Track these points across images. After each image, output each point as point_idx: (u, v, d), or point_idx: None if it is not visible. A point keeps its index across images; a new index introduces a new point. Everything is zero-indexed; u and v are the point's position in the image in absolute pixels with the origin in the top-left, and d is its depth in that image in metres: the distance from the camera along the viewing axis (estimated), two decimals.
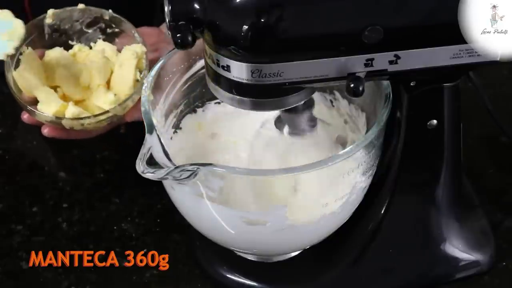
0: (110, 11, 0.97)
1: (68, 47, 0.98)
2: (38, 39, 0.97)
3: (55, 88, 0.94)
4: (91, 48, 0.98)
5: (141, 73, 0.93)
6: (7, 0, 0.91)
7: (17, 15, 0.91)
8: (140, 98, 0.78)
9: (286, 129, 0.78)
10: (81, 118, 0.90)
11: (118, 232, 0.92)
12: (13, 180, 0.98)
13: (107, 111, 0.90)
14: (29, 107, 0.91)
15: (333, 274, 0.85)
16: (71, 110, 0.90)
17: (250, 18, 0.64)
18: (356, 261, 0.84)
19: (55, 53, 0.96)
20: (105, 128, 0.95)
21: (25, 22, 0.91)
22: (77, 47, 0.98)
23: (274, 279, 0.85)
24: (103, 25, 0.98)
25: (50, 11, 0.96)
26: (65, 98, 0.94)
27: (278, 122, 0.79)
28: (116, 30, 0.98)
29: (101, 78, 0.93)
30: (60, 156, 1.02)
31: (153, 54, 0.96)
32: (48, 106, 0.91)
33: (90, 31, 0.98)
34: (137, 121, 0.92)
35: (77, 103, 0.93)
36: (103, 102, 0.92)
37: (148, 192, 0.94)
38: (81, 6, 0.97)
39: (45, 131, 0.93)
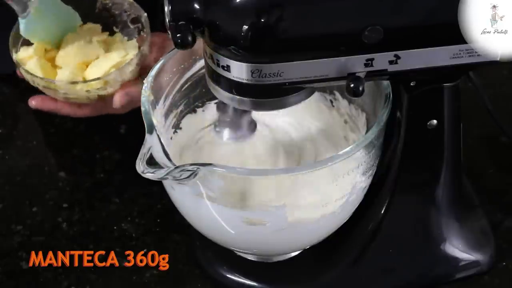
0: (145, 14, 0.97)
1: (110, 32, 1.00)
2: (88, 10, 0.98)
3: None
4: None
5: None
6: None
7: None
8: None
9: (226, 134, 0.77)
10: (75, 83, 0.91)
11: (118, 232, 0.92)
12: (13, 180, 0.98)
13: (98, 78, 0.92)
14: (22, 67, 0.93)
15: (333, 274, 0.85)
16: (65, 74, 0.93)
17: (250, 18, 0.64)
18: (356, 261, 0.84)
19: (93, 26, 0.98)
20: (93, 110, 0.96)
21: None
22: (118, 36, 0.99)
23: (274, 279, 0.85)
24: (140, 26, 0.99)
25: None
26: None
27: (217, 129, 0.78)
28: (144, 35, 0.98)
29: (79, 56, 0.95)
30: (60, 156, 1.02)
31: (160, 51, 0.96)
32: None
33: (132, 27, 0.99)
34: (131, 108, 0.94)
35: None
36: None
37: (148, 192, 0.94)
38: None
39: (33, 102, 0.94)
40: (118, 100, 0.93)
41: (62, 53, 0.96)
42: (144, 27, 0.98)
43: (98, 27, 0.99)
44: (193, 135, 0.87)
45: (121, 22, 1.00)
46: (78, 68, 0.94)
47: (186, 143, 0.86)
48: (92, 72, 0.94)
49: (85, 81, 0.93)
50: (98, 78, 0.92)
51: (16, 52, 0.96)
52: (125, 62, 0.93)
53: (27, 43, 0.96)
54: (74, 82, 0.92)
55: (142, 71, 0.95)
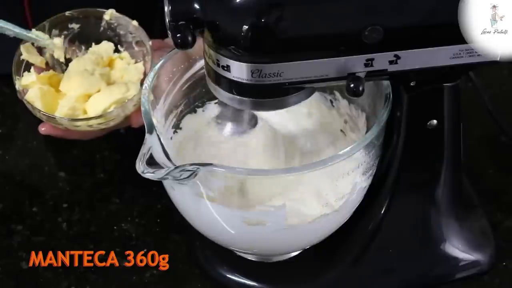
0: (150, 42, 0.96)
1: (116, 50, 0.98)
2: (94, 27, 0.96)
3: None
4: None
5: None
6: (6, 2, 0.91)
7: (17, 19, 0.91)
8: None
9: (227, 129, 0.78)
10: (77, 120, 0.90)
11: (118, 232, 0.92)
12: (13, 180, 0.98)
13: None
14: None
15: (333, 274, 0.85)
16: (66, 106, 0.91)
17: (250, 18, 0.64)
18: (356, 261, 0.84)
19: (105, 46, 0.96)
20: (100, 132, 0.95)
21: (25, 26, 0.91)
22: (124, 54, 0.98)
23: (274, 279, 0.85)
24: (145, 50, 0.98)
25: (110, 11, 0.96)
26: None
27: (219, 121, 0.80)
28: (149, 62, 0.97)
29: (81, 88, 0.93)
30: (60, 156, 1.02)
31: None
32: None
33: (136, 49, 0.98)
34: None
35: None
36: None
37: (148, 192, 0.94)
38: (134, 23, 0.97)
39: (43, 129, 0.93)
40: (136, 122, 0.91)
41: (66, 79, 0.94)
42: (148, 53, 0.97)
43: (110, 47, 0.97)
44: (193, 135, 0.86)
45: (126, 42, 0.99)
46: (78, 101, 0.93)
47: (186, 143, 0.86)
48: (93, 105, 0.92)
49: (85, 119, 0.91)
50: (99, 117, 0.91)
51: (20, 78, 0.93)
52: (127, 99, 0.92)
53: (30, 68, 0.95)
54: (75, 120, 0.91)
55: None
